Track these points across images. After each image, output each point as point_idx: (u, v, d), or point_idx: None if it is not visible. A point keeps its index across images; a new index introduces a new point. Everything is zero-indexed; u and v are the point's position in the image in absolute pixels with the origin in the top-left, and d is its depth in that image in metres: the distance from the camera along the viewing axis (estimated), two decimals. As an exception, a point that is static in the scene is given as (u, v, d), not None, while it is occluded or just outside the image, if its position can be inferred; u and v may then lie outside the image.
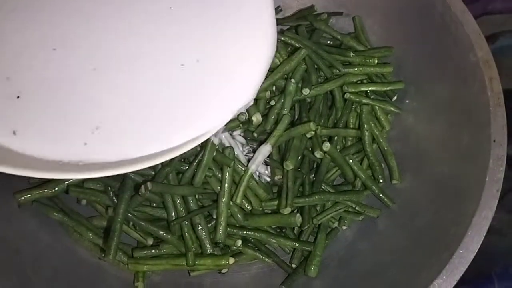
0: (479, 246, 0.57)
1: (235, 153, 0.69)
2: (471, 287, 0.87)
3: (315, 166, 0.76)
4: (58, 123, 0.49)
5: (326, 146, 0.70)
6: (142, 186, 0.64)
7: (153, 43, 0.53)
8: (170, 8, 0.56)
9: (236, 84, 0.55)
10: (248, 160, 0.70)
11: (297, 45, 0.77)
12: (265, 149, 0.68)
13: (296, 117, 0.75)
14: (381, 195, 0.73)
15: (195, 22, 0.56)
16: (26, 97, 0.48)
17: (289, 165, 0.68)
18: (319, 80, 0.78)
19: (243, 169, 0.68)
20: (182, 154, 0.55)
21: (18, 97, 0.48)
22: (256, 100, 0.73)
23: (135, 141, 0.51)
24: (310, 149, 0.74)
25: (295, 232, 0.74)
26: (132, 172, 0.67)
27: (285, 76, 0.75)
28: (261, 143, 0.70)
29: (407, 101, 0.79)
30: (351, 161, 0.74)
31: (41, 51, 0.50)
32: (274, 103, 0.73)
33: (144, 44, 0.53)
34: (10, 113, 0.48)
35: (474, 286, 0.86)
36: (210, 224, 0.69)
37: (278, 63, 0.76)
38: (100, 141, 0.49)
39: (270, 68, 0.75)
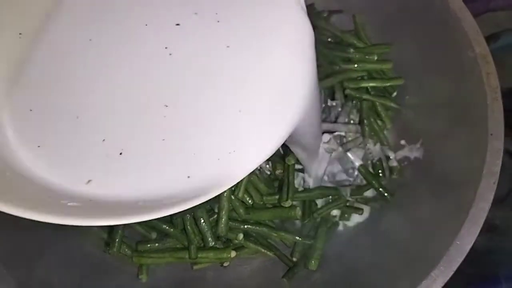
0: (475, 237, 0.58)
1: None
2: (478, 289, 0.87)
3: (315, 161, 0.77)
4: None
5: (325, 139, 0.72)
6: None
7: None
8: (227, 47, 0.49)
9: (274, 120, 0.46)
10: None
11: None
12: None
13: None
14: (381, 189, 0.74)
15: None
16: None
17: (291, 160, 0.69)
18: (320, 76, 0.79)
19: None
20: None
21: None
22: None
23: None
24: (310, 144, 0.75)
25: (296, 226, 0.75)
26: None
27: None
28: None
29: (406, 97, 0.80)
30: (351, 156, 0.75)
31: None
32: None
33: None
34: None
35: (480, 287, 0.87)
36: (212, 218, 0.70)
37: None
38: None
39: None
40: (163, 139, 0.44)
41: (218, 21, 0.50)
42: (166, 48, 0.48)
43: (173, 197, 0.41)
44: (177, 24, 0.49)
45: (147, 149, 0.44)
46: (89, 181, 0.42)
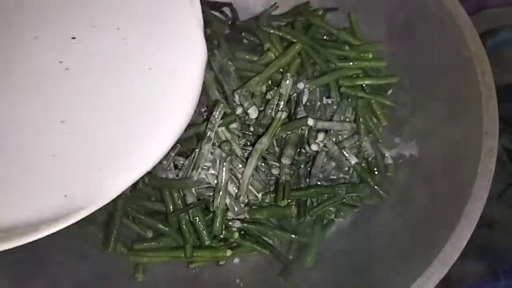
0: (470, 234, 0.58)
1: (232, 146, 0.70)
2: (477, 284, 0.87)
3: (311, 158, 0.77)
4: None
5: (320, 137, 0.72)
6: (140, 180, 0.65)
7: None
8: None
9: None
10: (245, 153, 0.71)
11: (293, 40, 0.78)
12: (263, 143, 0.69)
13: (292, 110, 0.76)
14: (376, 187, 0.74)
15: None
16: None
17: (287, 160, 0.69)
18: (315, 74, 0.79)
19: (240, 163, 0.70)
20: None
21: None
22: (252, 94, 0.74)
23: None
24: (306, 141, 0.75)
25: (292, 224, 0.75)
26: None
27: (281, 70, 0.76)
28: (258, 136, 0.71)
29: (401, 95, 0.81)
30: (347, 154, 0.75)
31: None
32: (271, 97, 0.74)
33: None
34: None
35: (479, 283, 0.87)
36: (208, 217, 0.70)
37: (274, 57, 0.77)
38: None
39: (266, 62, 0.77)
40: (54, 155, 0.43)
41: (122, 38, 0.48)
42: (61, 62, 0.46)
43: (50, 217, 0.42)
44: (73, 38, 0.47)
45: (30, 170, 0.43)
46: None
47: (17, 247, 0.43)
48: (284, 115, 0.70)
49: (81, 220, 0.69)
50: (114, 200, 0.68)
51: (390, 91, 0.81)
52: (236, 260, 0.76)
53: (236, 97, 0.72)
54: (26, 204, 0.42)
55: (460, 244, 0.58)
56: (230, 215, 0.71)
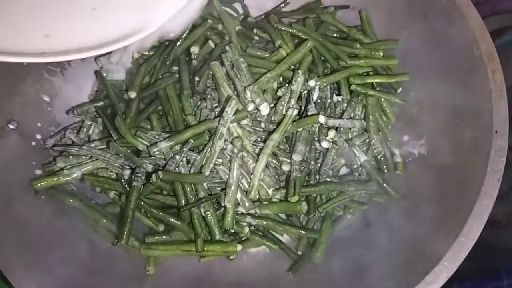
0: (479, 233, 0.59)
1: (244, 142, 0.71)
2: (479, 283, 0.88)
3: (321, 155, 0.77)
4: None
5: (331, 134, 0.72)
6: (153, 175, 0.66)
7: None
8: None
9: None
10: (256, 149, 0.72)
11: (304, 37, 0.79)
12: (274, 140, 0.70)
13: (303, 107, 0.76)
14: (385, 185, 0.75)
15: None
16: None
17: (298, 156, 0.70)
18: (326, 71, 0.80)
19: (251, 159, 0.71)
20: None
21: None
22: (263, 90, 0.75)
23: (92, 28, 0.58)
24: (316, 138, 0.75)
25: (301, 220, 0.76)
26: (144, 161, 0.70)
27: (292, 67, 0.77)
28: (269, 133, 0.72)
29: (411, 93, 0.81)
30: (356, 151, 0.75)
31: None
32: (282, 94, 0.75)
33: None
34: None
35: (482, 282, 0.88)
36: (219, 212, 0.71)
37: (285, 55, 0.77)
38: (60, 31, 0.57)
39: (277, 59, 0.77)
40: None
41: None
42: None
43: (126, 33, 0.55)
44: None
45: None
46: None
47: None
48: (295, 112, 0.71)
49: (96, 214, 0.71)
50: (126, 194, 0.70)
51: (400, 89, 0.82)
52: (246, 255, 0.77)
53: (248, 94, 0.72)
54: (114, 22, 0.57)
55: (469, 242, 0.59)
56: (240, 210, 0.72)
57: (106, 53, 0.79)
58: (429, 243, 0.63)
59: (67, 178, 0.73)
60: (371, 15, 0.86)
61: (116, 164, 0.73)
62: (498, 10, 1.00)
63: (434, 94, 0.77)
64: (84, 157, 0.74)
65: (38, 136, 0.78)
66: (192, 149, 0.72)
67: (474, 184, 0.62)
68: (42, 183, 0.72)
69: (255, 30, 0.83)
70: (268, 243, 0.74)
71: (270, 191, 0.71)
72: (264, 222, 0.73)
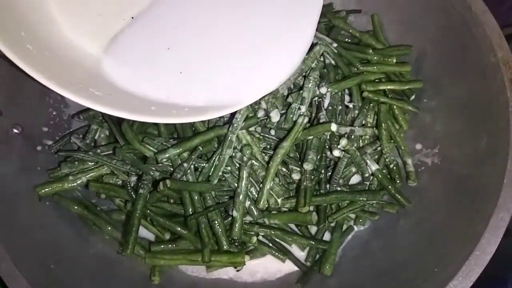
0: (496, 248, 0.57)
1: (253, 150, 0.69)
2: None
3: (331, 164, 0.76)
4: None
5: (343, 143, 0.70)
6: (161, 183, 0.64)
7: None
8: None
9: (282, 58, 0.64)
10: (265, 157, 0.71)
11: (314, 41, 0.77)
12: (284, 148, 0.68)
13: (313, 114, 0.75)
14: (397, 195, 0.73)
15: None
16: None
17: (309, 165, 0.68)
18: (337, 77, 0.78)
19: (260, 167, 0.69)
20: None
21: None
22: (274, 97, 0.73)
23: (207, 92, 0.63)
24: (327, 147, 0.74)
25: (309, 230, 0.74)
26: (151, 168, 0.68)
27: (303, 73, 0.75)
28: (279, 140, 0.70)
29: (425, 100, 0.79)
30: (368, 160, 0.74)
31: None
32: (292, 100, 0.73)
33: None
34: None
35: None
36: (226, 221, 0.70)
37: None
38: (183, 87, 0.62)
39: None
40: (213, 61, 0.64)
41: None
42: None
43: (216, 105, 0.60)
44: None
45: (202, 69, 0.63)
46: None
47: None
48: (306, 119, 0.69)
49: (101, 221, 0.70)
50: (132, 201, 0.69)
51: (413, 97, 0.80)
52: (254, 266, 0.75)
53: (263, 103, 0.71)
54: (206, 91, 0.62)
55: (485, 257, 0.57)
56: (249, 219, 0.70)
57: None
58: (443, 257, 0.61)
59: (72, 184, 0.72)
60: (383, 20, 0.84)
61: (122, 171, 0.71)
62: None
63: (448, 101, 0.75)
64: (89, 163, 0.73)
65: (43, 141, 0.76)
66: (200, 156, 0.70)
67: (490, 196, 0.60)
68: (46, 189, 0.70)
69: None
70: (277, 254, 0.73)
71: (279, 201, 0.70)
72: (273, 232, 0.71)
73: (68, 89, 0.53)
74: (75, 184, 0.72)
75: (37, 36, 0.60)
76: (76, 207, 0.72)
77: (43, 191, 0.70)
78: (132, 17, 0.67)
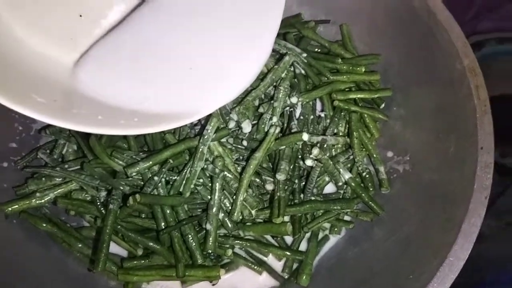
0: (468, 253, 0.58)
1: (225, 162, 0.68)
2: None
3: (305, 173, 0.76)
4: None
5: (315, 152, 0.70)
6: (131, 198, 0.63)
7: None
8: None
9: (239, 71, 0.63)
10: (238, 168, 0.70)
11: (283, 51, 0.77)
12: (257, 158, 0.67)
13: (285, 124, 0.75)
14: (370, 203, 0.73)
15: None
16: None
17: (282, 175, 0.68)
18: (308, 87, 0.78)
19: (233, 179, 0.68)
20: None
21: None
22: (245, 107, 0.73)
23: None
24: (300, 156, 0.74)
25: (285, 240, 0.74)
26: (121, 183, 0.67)
27: (274, 83, 0.75)
28: (251, 151, 0.70)
29: (394, 108, 0.80)
30: (341, 169, 0.74)
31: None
32: (263, 110, 0.73)
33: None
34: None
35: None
36: (200, 234, 0.69)
37: (266, 71, 0.76)
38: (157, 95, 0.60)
39: (258, 76, 0.75)
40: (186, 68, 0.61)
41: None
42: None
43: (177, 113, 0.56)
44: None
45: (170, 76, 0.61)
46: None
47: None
48: (277, 129, 0.69)
49: (71, 238, 0.68)
50: (102, 217, 0.67)
51: (383, 105, 0.81)
52: (231, 278, 0.74)
53: (235, 116, 0.71)
54: (171, 99, 0.59)
55: (459, 263, 0.57)
56: (223, 231, 0.69)
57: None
58: (418, 264, 0.61)
59: (40, 201, 0.69)
60: (351, 30, 0.85)
61: (91, 186, 0.69)
62: (478, 29, 1.01)
63: (417, 109, 0.76)
64: (57, 179, 0.71)
65: (10, 157, 0.74)
66: (171, 169, 0.69)
67: (462, 201, 0.61)
68: (13, 207, 0.68)
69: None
70: (253, 266, 0.72)
71: (253, 212, 0.69)
72: (248, 244, 0.70)
73: (41, 111, 0.50)
74: (42, 200, 0.69)
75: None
76: (44, 225, 0.69)
77: (9, 209, 0.68)
78: (104, 30, 0.66)
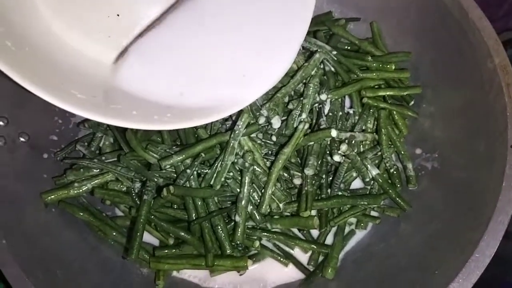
0: (495, 250, 0.58)
1: (255, 156, 0.70)
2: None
3: (332, 168, 0.77)
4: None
5: (343, 148, 0.71)
6: (164, 189, 0.65)
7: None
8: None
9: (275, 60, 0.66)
10: (267, 163, 0.72)
11: (314, 49, 0.78)
12: (285, 154, 0.69)
13: (314, 120, 0.76)
14: (397, 199, 0.74)
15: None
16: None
17: (310, 170, 0.69)
18: (337, 84, 0.79)
19: (262, 173, 0.70)
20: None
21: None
22: (275, 104, 0.75)
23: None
24: (328, 152, 0.75)
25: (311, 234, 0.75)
26: (155, 175, 0.69)
27: (304, 80, 0.76)
28: (280, 146, 0.71)
29: (424, 106, 0.80)
30: (368, 165, 0.75)
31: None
32: (293, 107, 0.74)
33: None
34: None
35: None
36: (229, 226, 0.71)
37: (296, 68, 0.77)
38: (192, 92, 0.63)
39: (288, 73, 0.77)
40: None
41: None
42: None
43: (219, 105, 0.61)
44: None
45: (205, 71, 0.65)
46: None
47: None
48: (306, 125, 0.71)
49: (106, 227, 0.71)
50: (137, 207, 0.70)
51: (412, 102, 0.81)
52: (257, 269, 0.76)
53: (265, 112, 0.72)
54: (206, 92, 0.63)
55: (484, 259, 0.58)
56: (251, 224, 0.71)
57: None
58: (444, 260, 0.62)
59: (78, 191, 0.73)
60: (382, 28, 0.85)
61: (126, 177, 0.72)
62: (510, 26, 1.00)
63: (446, 107, 0.76)
64: (94, 170, 0.74)
65: (50, 149, 0.78)
66: (203, 162, 0.71)
67: (489, 199, 0.61)
68: (52, 196, 0.72)
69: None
70: (279, 258, 0.73)
71: (281, 205, 0.71)
72: (275, 237, 0.72)
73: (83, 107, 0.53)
74: (80, 190, 0.73)
75: (40, 50, 0.60)
76: (81, 214, 0.73)
77: (49, 198, 0.71)
78: (144, 27, 0.69)
